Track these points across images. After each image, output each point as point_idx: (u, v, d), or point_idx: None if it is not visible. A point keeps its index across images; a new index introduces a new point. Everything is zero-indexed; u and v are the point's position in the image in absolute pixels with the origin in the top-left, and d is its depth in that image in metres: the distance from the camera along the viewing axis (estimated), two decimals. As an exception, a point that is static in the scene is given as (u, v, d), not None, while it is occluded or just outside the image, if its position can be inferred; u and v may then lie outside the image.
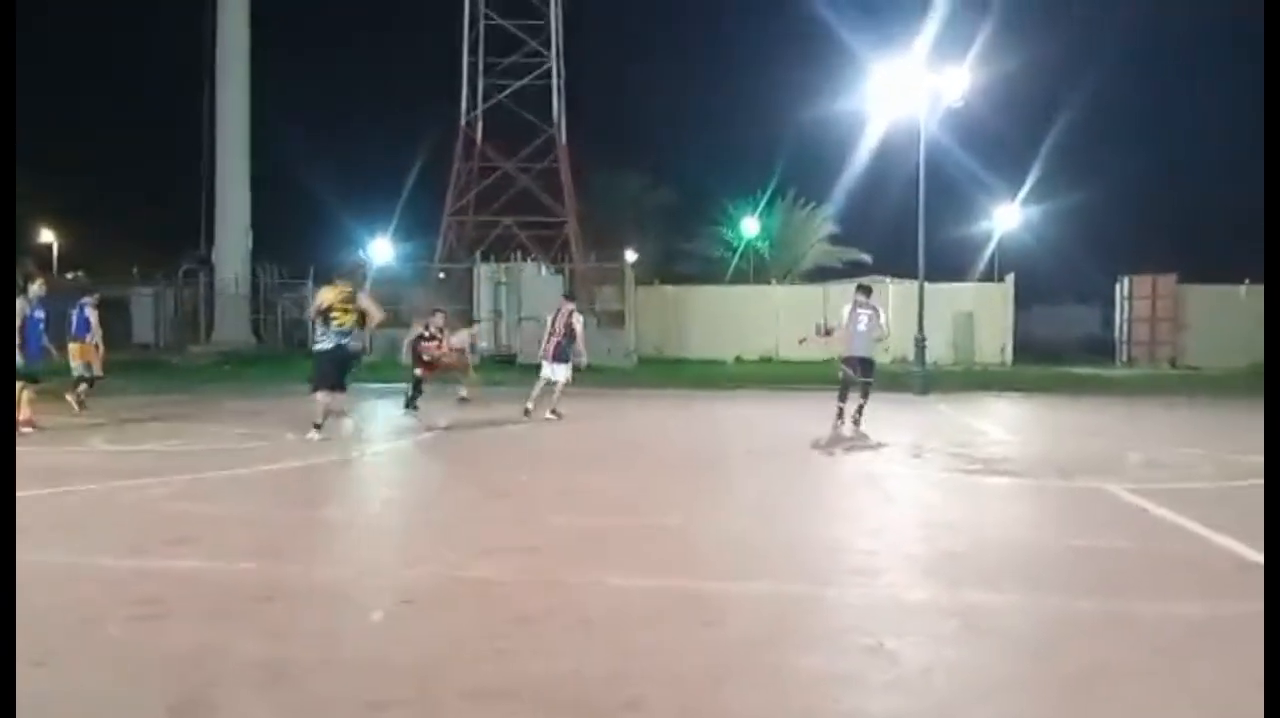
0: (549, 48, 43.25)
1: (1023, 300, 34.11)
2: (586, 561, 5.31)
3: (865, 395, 11.41)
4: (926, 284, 25.02)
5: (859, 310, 11.48)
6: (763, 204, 41.66)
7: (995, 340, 31.64)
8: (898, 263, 31.14)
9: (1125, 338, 33.90)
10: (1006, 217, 39.74)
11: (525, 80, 43.32)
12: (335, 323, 10.21)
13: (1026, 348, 32.33)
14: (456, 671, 3.55)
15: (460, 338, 15.69)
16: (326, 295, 10.37)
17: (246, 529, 6.09)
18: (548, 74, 43.42)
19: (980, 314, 31.71)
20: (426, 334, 14.12)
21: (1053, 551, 5.82)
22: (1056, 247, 40.10)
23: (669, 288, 33.83)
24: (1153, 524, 6.44)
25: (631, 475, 8.85)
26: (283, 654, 3.67)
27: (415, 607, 4.43)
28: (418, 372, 13.72)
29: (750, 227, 42.05)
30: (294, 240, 37.55)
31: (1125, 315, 34.10)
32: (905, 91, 23.52)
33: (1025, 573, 5.24)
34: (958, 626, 4.14)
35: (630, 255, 35.30)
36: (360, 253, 32.30)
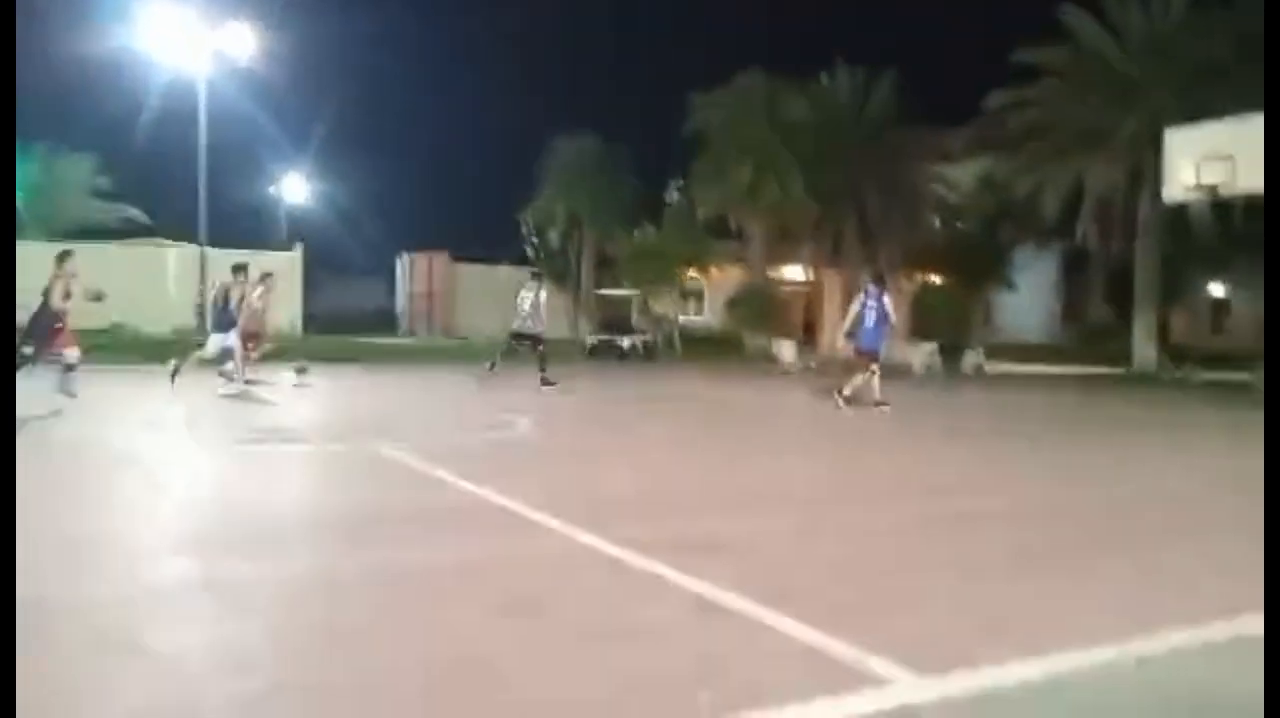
0: None
1: (314, 271, 34.54)
2: None
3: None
4: (212, 250, 23.84)
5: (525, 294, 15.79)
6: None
7: (284, 309, 31.48)
8: (181, 225, 29.09)
9: (406, 310, 36.65)
10: (298, 186, 39.81)
11: None
12: None
13: (316, 318, 32.74)
14: None
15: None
16: None
17: None
18: None
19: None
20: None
21: (329, 512, 5.89)
22: (348, 219, 41.39)
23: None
24: (422, 480, 6.91)
25: None
26: None
27: None
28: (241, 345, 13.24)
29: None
30: None
31: (406, 289, 36.84)
32: (184, 42, 21.94)
33: (293, 537, 5.20)
34: (213, 601, 3.90)
35: None
36: None
